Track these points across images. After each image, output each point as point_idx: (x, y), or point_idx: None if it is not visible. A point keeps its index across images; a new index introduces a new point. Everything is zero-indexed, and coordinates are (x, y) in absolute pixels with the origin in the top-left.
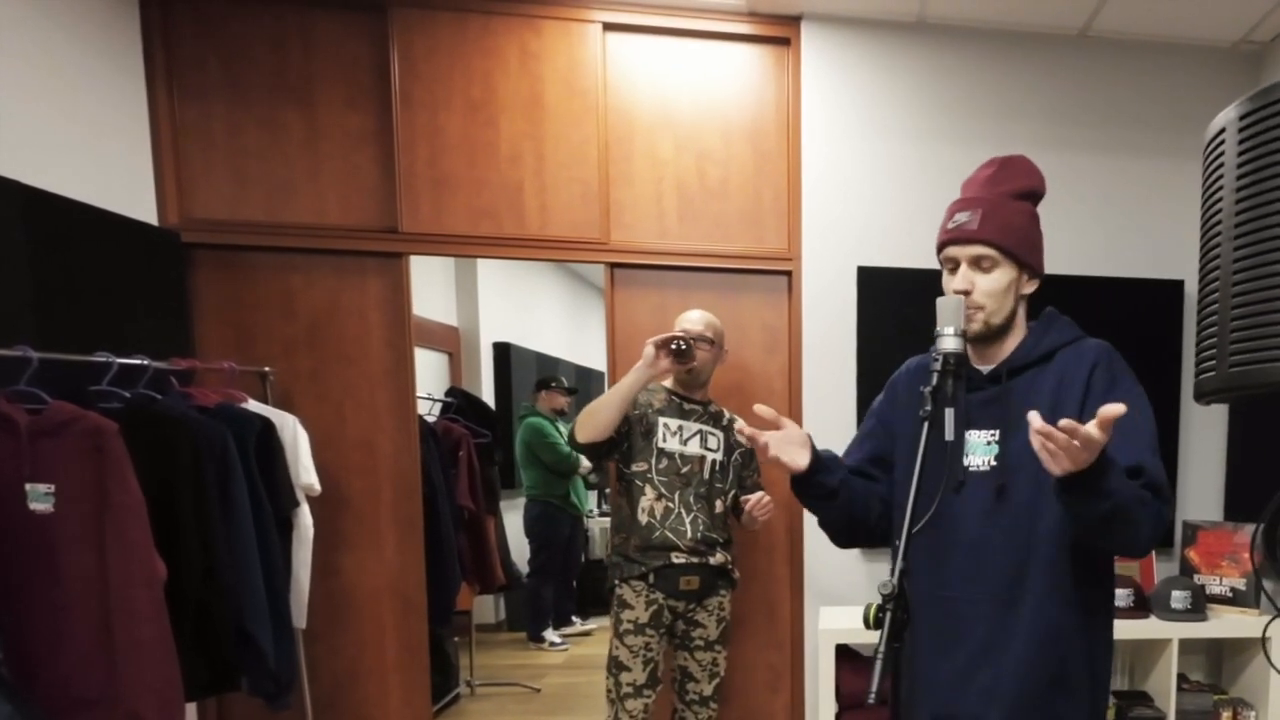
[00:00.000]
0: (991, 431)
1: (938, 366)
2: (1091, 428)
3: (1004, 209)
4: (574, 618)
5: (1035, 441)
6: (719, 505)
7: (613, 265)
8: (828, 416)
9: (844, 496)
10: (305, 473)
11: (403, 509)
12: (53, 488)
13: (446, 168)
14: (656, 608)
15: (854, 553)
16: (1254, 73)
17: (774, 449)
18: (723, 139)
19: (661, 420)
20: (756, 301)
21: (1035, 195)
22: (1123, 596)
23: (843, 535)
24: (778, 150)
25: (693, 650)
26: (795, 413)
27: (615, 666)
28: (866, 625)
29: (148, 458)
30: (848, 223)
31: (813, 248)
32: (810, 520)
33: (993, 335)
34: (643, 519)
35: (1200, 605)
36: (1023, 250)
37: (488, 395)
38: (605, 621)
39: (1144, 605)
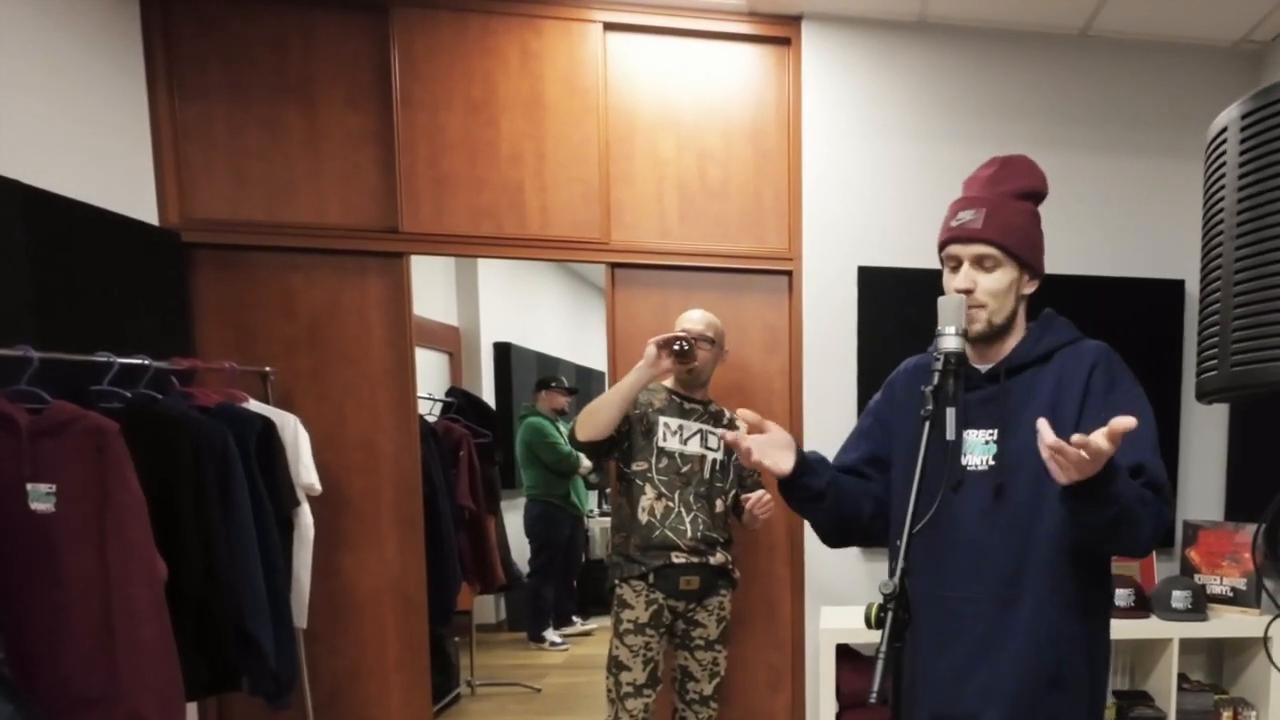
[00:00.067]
0: (990, 431)
1: (939, 366)
2: (1101, 440)
3: (1007, 209)
4: (574, 618)
5: (1045, 453)
6: (719, 505)
7: (613, 265)
8: (828, 416)
9: (832, 498)
10: (306, 472)
11: (403, 509)
12: (54, 487)
13: (447, 167)
14: (657, 607)
15: (854, 552)
16: (1254, 72)
17: (757, 453)
18: (723, 139)
19: (662, 419)
20: (757, 301)
21: (1037, 195)
22: (1123, 596)
23: (832, 535)
24: (778, 150)
25: (693, 650)
26: (796, 412)
27: (615, 666)
28: (868, 625)
29: (148, 457)
30: (848, 222)
31: (813, 247)
32: None
33: (993, 335)
34: (643, 518)
35: (1201, 605)
36: (1024, 250)
37: (488, 395)
38: (606, 621)
39: (1145, 605)
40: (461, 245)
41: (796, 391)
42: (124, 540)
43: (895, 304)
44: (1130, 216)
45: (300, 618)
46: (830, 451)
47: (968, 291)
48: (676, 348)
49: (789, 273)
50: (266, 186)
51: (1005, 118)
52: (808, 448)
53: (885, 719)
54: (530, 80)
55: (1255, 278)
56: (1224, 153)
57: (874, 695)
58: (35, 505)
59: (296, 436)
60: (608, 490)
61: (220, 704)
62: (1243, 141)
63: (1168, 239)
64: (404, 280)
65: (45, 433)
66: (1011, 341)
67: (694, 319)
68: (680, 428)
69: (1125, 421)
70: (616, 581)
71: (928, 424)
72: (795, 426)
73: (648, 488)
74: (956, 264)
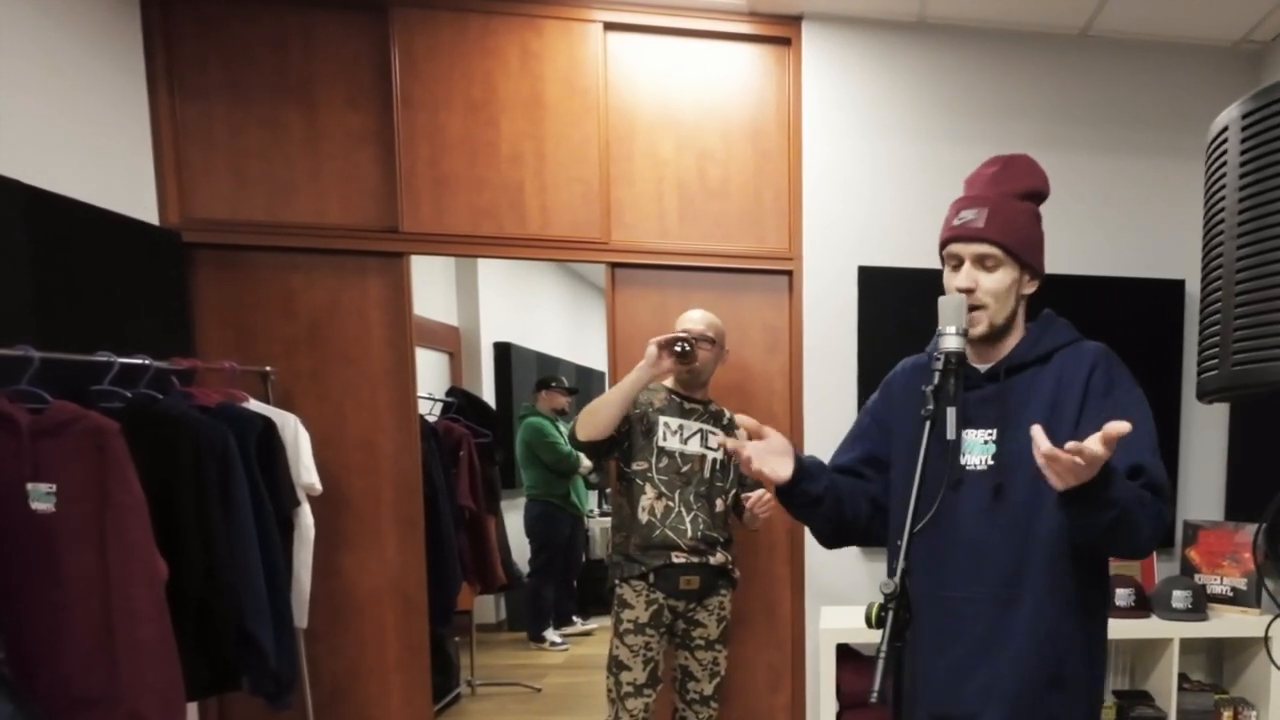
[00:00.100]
0: (989, 431)
1: (939, 365)
2: (1096, 445)
3: (1009, 208)
4: (574, 617)
5: (1040, 461)
6: (719, 504)
7: (613, 265)
8: (828, 416)
9: (830, 502)
10: (306, 472)
11: (404, 509)
12: (54, 487)
13: (447, 167)
14: (657, 607)
15: (854, 552)
16: (1254, 72)
17: (756, 461)
18: (723, 139)
19: (662, 419)
20: (757, 301)
21: (1039, 196)
22: (1123, 596)
23: (830, 538)
24: (778, 150)
25: (693, 649)
26: (796, 412)
27: (616, 666)
28: (869, 624)
29: (149, 457)
30: (848, 222)
31: (813, 247)
32: None
33: (993, 335)
34: (643, 518)
35: (1201, 605)
36: (1026, 251)
37: (488, 395)
38: (606, 621)
39: (1145, 605)
40: (461, 245)
41: (797, 391)
42: (124, 540)
43: (895, 304)
44: (1130, 216)
45: (301, 617)
46: (831, 451)
47: (969, 290)
48: (678, 349)
49: (789, 273)
50: (267, 186)
51: (1005, 118)
52: (808, 448)
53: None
54: (530, 80)
55: (1256, 277)
56: (1225, 152)
57: (874, 695)
58: (35, 505)
59: (297, 436)
60: (608, 490)
61: (221, 704)
62: (1243, 141)
63: (1168, 239)
64: (404, 280)
65: (46, 432)
66: (1011, 341)
67: (695, 319)
68: (680, 427)
69: (1119, 426)
70: (617, 581)
71: (928, 423)
72: (795, 426)
73: (648, 487)
74: (958, 262)
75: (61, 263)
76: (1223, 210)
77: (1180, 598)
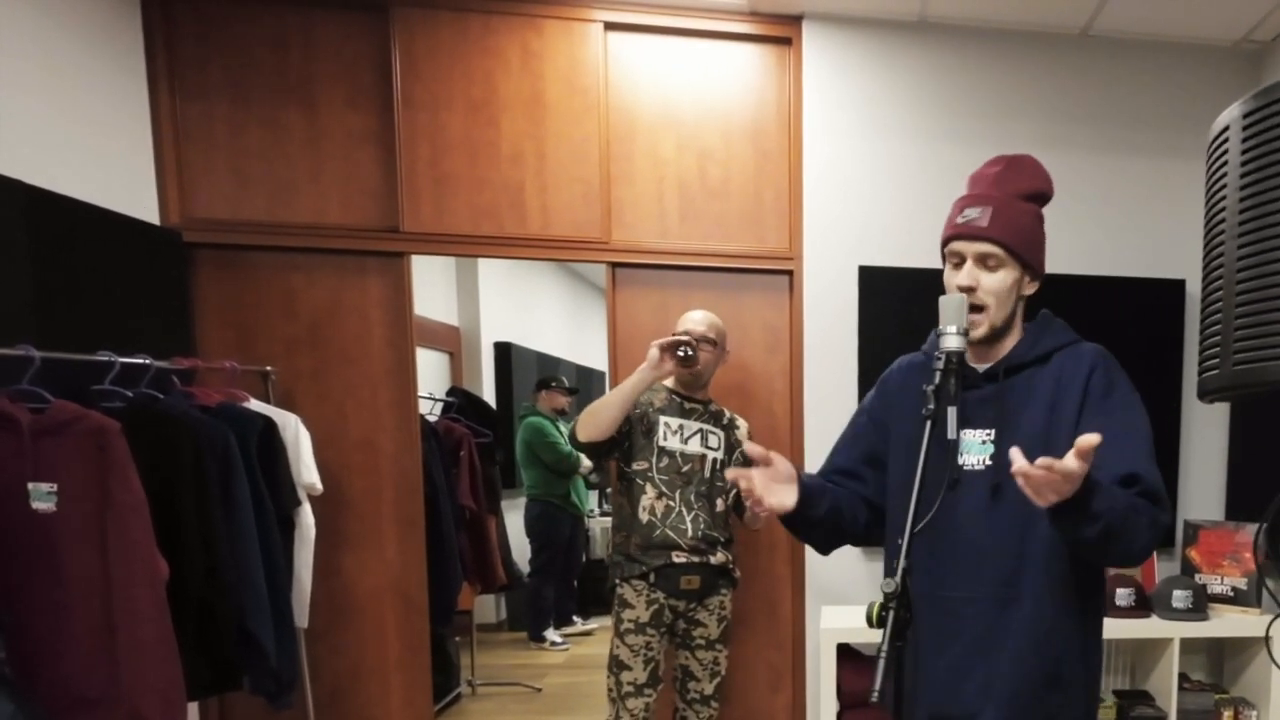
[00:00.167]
0: (987, 431)
1: (940, 365)
2: (1070, 460)
3: (1012, 209)
4: (575, 617)
5: (1018, 480)
6: (720, 504)
7: (614, 265)
8: (829, 416)
9: (830, 520)
10: (307, 472)
11: (404, 508)
12: (55, 487)
13: (448, 167)
14: (657, 607)
15: (855, 552)
16: (1255, 72)
17: (761, 492)
18: (724, 138)
19: (662, 419)
20: (758, 301)
21: (1043, 197)
22: (1124, 596)
23: (826, 548)
24: (779, 150)
25: (694, 649)
26: (796, 412)
27: (616, 665)
28: (869, 624)
29: (150, 457)
30: (849, 222)
31: (814, 247)
32: None
33: (993, 335)
34: (644, 517)
35: (1201, 605)
36: (1028, 251)
37: (489, 395)
38: (606, 621)
39: (1145, 604)
40: (462, 245)
41: (797, 391)
42: (125, 540)
43: (896, 304)
44: (1130, 216)
45: (301, 617)
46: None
47: (970, 289)
48: (680, 352)
49: (790, 272)
50: (267, 186)
51: (1006, 117)
52: (808, 447)
53: (887, 719)
54: (531, 80)
55: (1257, 276)
56: (1226, 152)
57: (876, 694)
58: (36, 505)
59: (297, 436)
60: (608, 490)
61: (221, 703)
62: (1244, 141)
63: (1168, 239)
64: (405, 280)
65: (47, 432)
66: (1009, 341)
67: (696, 319)
68: (681, 427)
69: (1091, 439)
70: (617, 581)
71: (929, 423)
72: (796, 426)
73: (648, 487)
74: (959, 260)
75: (62, 262)
76: (1224, 210)
77: (1181, 597)
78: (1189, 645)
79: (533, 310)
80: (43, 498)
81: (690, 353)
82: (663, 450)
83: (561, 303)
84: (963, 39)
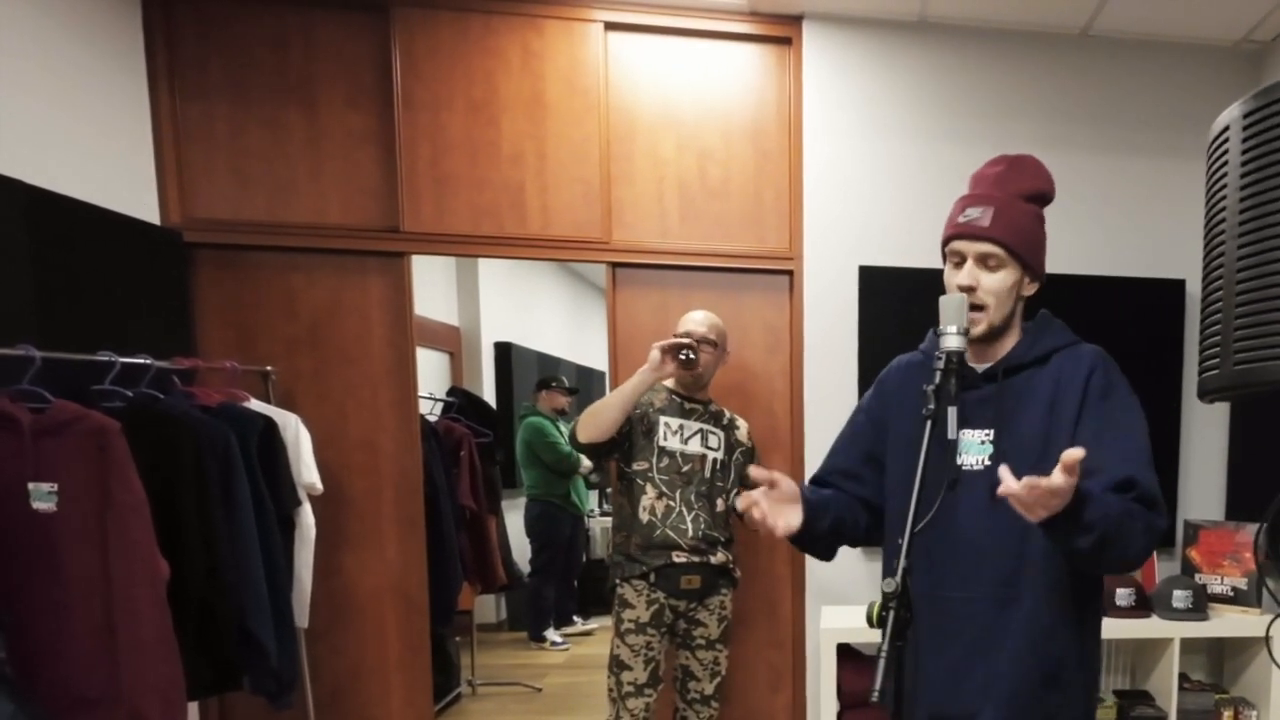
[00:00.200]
0: (986, 431)
1: (941, 365)
2: (1056, 476)
3: (1014, 209)
4: (575, 617)
5: (1010, 499)
6: (720, 504)
7: (614, 265)
8: (829, 416)
9: (833, 531)
10: (307, 472)
11: (404, 508)
12: (55, 487)
13: (448, 167)
14: (658, 607)
15: (855, 552)
16: (1255, 72)
17: (769, 517)
18: (724, 138)
19: (662, 419)
20: (758, 301)
21: (1044, 198)
22: (1124, 596)
23: (829, 555)
24: (779, 150)
25: (694, 649)
26: (796, 412)
27: (617, 665)
28: (870, 624)
29: (150, 457)
30: (849, 222)
31: (814, 247)
32: None
33: (992, 334)
34: (644, 518)
35: (1202, 604)
36: (1029, 252)
37: (489, 395)
38: (606, 621)
39: (1145, 604)
40: (462, 245)
41: (797, 391)
42: (126, 540)
43: (896, 303)
44: (1130, 216)
45: (302, 617)
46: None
47: (970, 289)
48: (682, 356)
49: (790, 272)
50: (268, 186)
51: (1006, 117)
52: (808, 447)
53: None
54: (531, 80)
55: (1257, 276)
56: (1226, 152)
57: (876, 694)
58: (37, 505)
59: (298, 436)
60: (608, 490)
61: (222, 703)
62: (1245, 141)
63: (1168, 239)
64: (405, 280)
65: (47, 432)
66: (1008, 341)
67: (696, 320)
68: (681, 427)
69: (1075, 453)
70: (618, 581)
71: (929, 423)
72: (796, 426)
73: (649, 487)
74: (960, 260)
75: (63, 262)
76: (1224, 210)
77: (1181, 597)
78: (1189, 645)
79: (533, 310)
80: (43, 498)
81: (692, 356)
82: (663, 450)
83: (562, 303)
84: (963, 39)
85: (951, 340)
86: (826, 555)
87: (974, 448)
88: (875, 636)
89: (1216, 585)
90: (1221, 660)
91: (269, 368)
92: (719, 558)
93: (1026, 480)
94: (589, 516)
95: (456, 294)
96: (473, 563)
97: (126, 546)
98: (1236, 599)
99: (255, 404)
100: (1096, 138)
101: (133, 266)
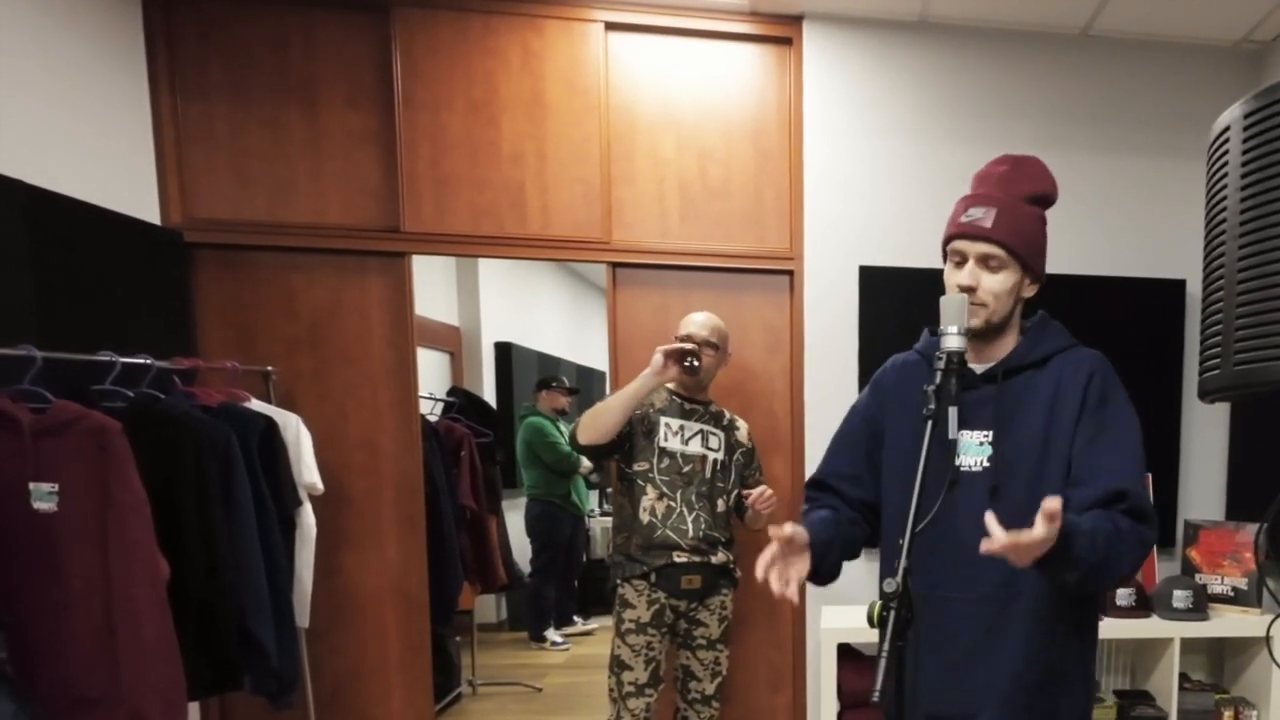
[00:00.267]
0: (984, 433)
1: (941, 365)
2: (1039, 529)
3: (1017, 211)
4: (575, 617)
5: (996, 553)
6: (721, 504)
7: (614, 265)
8: (829, 416)
9: (839, 560)
10: (308, 472)
11: (405, 508)
12: (56, 487)
13: (448, 167)
14: (658, 607)
15: None
16: (1255, 72)
17: (781, 577)
18: (724, 138)
19: (663, 420)
20: (758, 301)
21: (1047, 200)
22: (1124, 596)
23: (829, 582)
24: (779, 150)
25: (695, 649)
26: (797, 412)
27: (617, 665)
28: (870, 624)
29: (151, 457)
30: (849, 222)
31: (814, 247)
32: None
33: (989, 334)
34: (644, 518)
35: (1202, 605)
36: (1030, 255)
37: (489, 395)
38: (607, 621)
39: (1146, 604)
40: (463, 245)
41: (798, 391)
42: (126, 540)
43: (896, 304)
44: (1130, 216)
45: (302, 617)
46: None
47: (970, 289)
48: (687, 364)
49: (790, 272)
50: (268, 186)
51: (1006, 117)
52: (808, 448)
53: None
54: (531, 80)
55: (1258, 276)
56: (1226, 152)
57: (877, 694)
58: (38, 504)
59: (298, 436)
60: (608, 490)
61: (222, 703)
62: (1245, 141)
63: (1168, 239)
64: (405, 280)
65: (48, 432)
66: (1006, 342)
67: (698, 322)
68: (681, 428)
69: (1054, 505)
70: (618, 581)
71: (930, 423)
72: (796, 426)
73: (649, 488)
74: (961, 259)
75: (63, 262)
76: (1224, 210)
77: (1181, 597)
78: (1189, 645)
79: (533, 310)
80: (44, 498)
81: (696, 363)
82: (663, 451)
83: (562, 303)
84: (963, 39)
85: (952, 340)
86: (829, 582)
87: (972, 449)
88: (875, 636)
89: (1217, 585)
90: (1222, 660)
91: (269, 368)
92: (719, 558)
93: (1011, 538)
94: (589, 516)
95: (457, 294)
96: (473, 563)
97: (127, 546)
98: (1237, 599)
99: (256, 404)
100: (1097, 138)
101: (133, 266)
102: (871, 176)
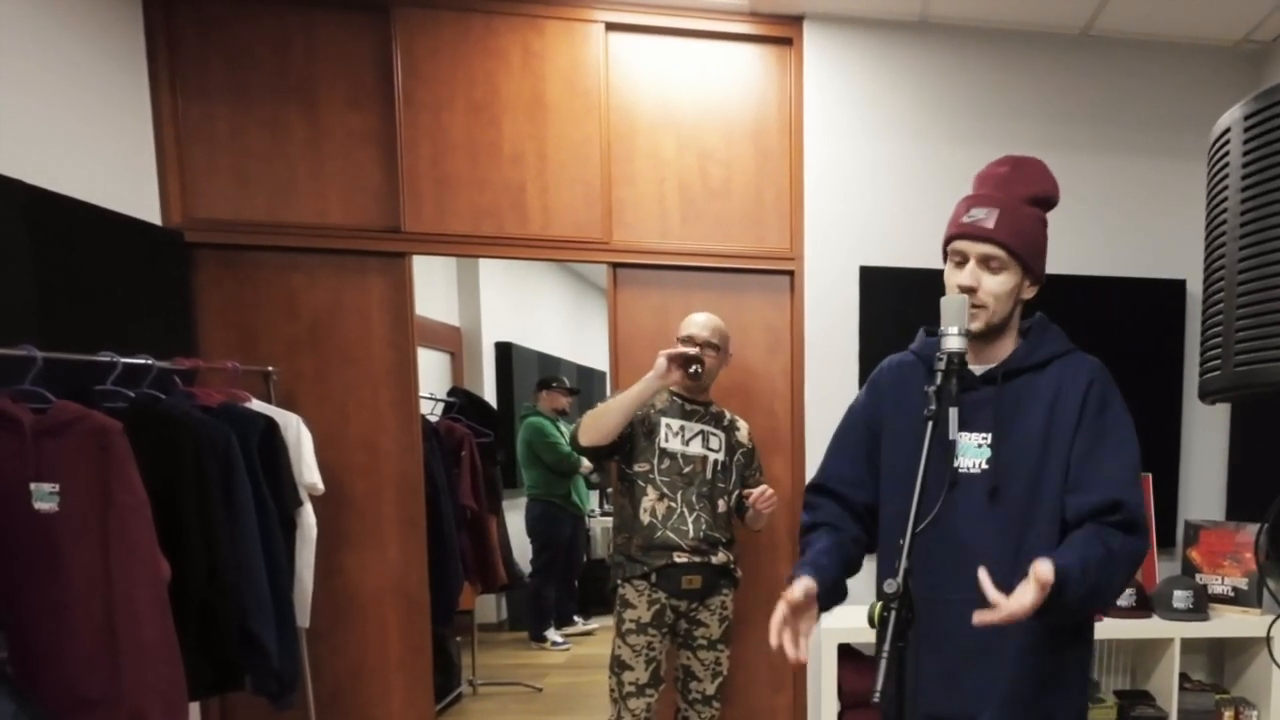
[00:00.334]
0: (983, 435)
1: (942, 365)
2: (1028, 595)
3: (1019, 212)
4: (576, 617)
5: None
6: (721, 505)
7: (615, 265)
8: (829, 416)
9: (844, 592)
10: (308, 472)
11: (405, 508)
12: (57, 487)
13: (449, 167)
14: (659, 607)
15: None
16: (1255, 72)
17: (794, 638)
18: (725, 139)
19: (664, 420)
20: (759, 301)
21: (1048, 202)
22: (1124, 596)
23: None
24: (780, 150)
25: (695, 649)
26: (797, 412)
27: (618, 666)
28: (871, 624)
29: (152, 457)
30: (850, 222)
31: (815, 247)
32: None
33: (989, 335)
34: (645, 519)
35: (1202, 605)
36: (1031, 256)
37: (489, 395)
38: (607, 621)
39: (1146, 605)
40: (463, 245)
41: (798, 391)
42: (127, 540)
43: (897, 304)
44: (1131, 216)
45: (303, 617)
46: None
47: (971, 289)
48: (692, 371)
49: (791, 272)
50: (268, 186)
51: (1006, 117)
52: (809, 448)
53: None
54: (532, 80)
55: (1259, 278)
56: (1227, 153)
57: (878, 694)
58: (39, 505)
59: (299, 436)
60: (609, 490)
61: (223, 703)
62: (1246, 142)
63: (1168, 239)
64: (406, 280)
65: (49, 432)
66: (1005, 343)
67: (699, 323)
68: (682, 429)
69: (1046, 574)
70: (619, 581)
71: (930, 424)
72: (797, 426)
73: (649, 489)
74: (962, 260)
75: (64, 263)
76: (1225, 211)
77: (1181, 598)
78: (1190, 645)
79: (533, 310)
80: (45, 498)
81: (699, 369)
82: (664, 452)
83: (562, 303)
84: (963, 39)
85: (953, 341)
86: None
87: (971, 450)
88: (875, 636)
89: (1217, 585)
90: (1222, 660)
91: (270, 368)
92: (720, 558)
93: (1006, 611)
94: (590, 516)
95: (457, 294)
96: (473, 563)
97: (128, 547)
98: (1237, 599)
99: (256, 404)
100: (1097, 138)
101: (134, 267)
102: (871, 176)
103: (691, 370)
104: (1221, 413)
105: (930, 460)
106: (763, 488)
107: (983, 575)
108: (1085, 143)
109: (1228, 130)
